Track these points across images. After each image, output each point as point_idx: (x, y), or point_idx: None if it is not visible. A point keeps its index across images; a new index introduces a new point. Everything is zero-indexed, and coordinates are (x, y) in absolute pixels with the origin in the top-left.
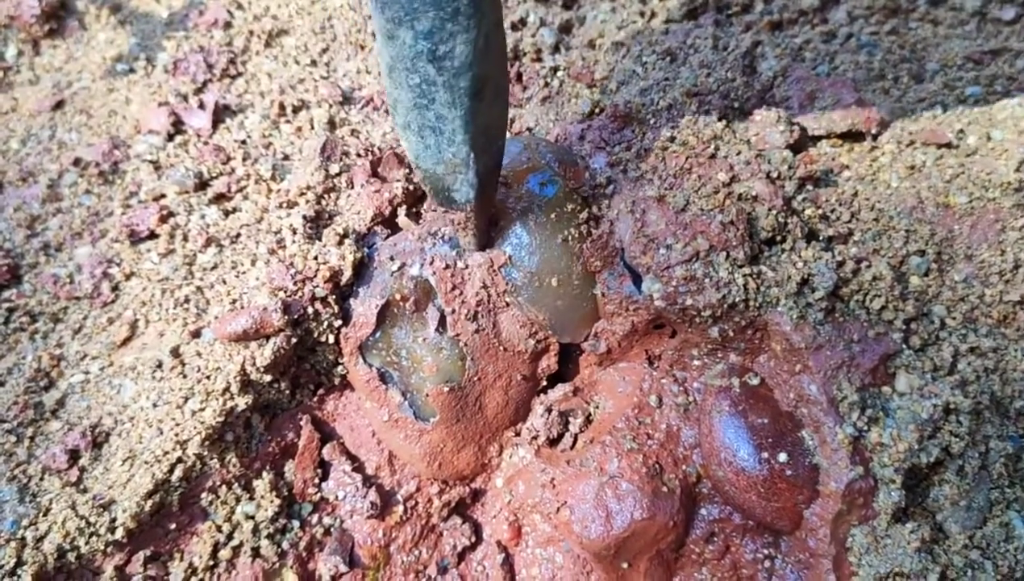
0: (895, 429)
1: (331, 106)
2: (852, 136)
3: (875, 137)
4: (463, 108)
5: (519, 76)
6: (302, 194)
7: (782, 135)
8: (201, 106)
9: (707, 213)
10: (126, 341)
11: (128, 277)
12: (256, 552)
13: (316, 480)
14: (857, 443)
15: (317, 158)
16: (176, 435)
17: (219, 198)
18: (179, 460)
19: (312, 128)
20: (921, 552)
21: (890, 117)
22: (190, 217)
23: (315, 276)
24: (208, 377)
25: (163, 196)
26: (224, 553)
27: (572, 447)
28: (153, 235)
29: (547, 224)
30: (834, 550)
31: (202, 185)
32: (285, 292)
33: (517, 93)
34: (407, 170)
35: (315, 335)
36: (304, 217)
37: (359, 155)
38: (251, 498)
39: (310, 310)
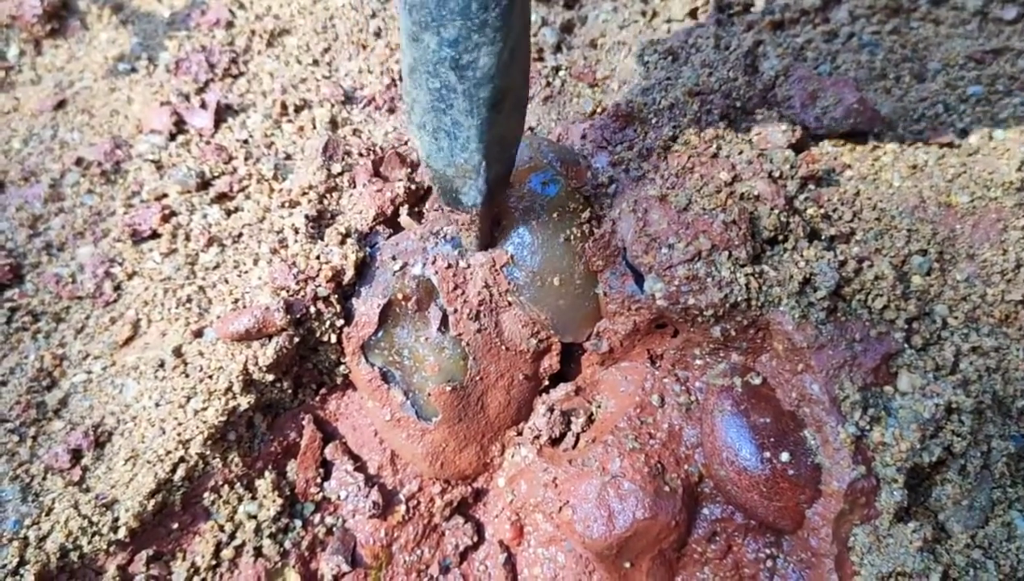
0: (897, 428)
1: (333, 106)
2: (854, 135)
3: (877, 136)
4: (480, 118)
5: None
6: (304, 194)
7: (784, 134)
8: (203, 106)
9: (709, 212)
10: (128, 340)
11: (130, 276)
12: (258, 552)
13: (318, 480)
14: (859, 442)
15: (319, 157)
16: (178, 434)
17: (221, 198)
18: (181, 459)
19: (314, 128)
20: (923, 551)
21: (892, 116)
22: (192, 217)
23: (317, 275)
24: (210, 376)
25: (165, 195)
26: (226, 553)
27: (574, 446)
28: (155, 235)
29: (549, 223)
30: (836, 549)
31: (204, 185)
32: (287, 291)
33: None
34: (409, 170)
35: (317, 335)
36: (306, 216)
37: (361, 154)
38: (253, 498)
39: (312, 309)
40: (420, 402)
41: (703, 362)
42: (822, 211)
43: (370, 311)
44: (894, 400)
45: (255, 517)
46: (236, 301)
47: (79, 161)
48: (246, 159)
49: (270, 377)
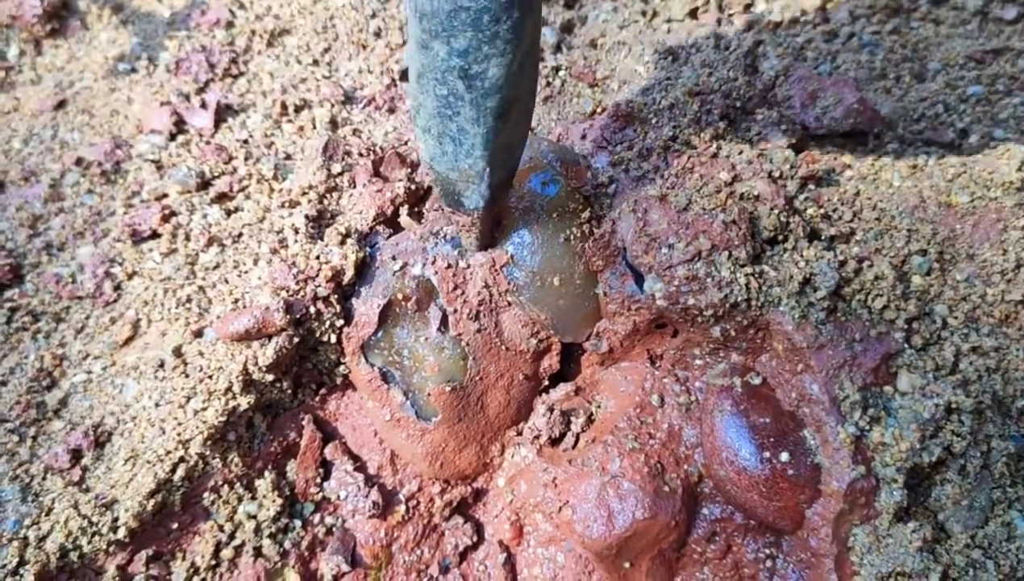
0: (897, 428)
1: (333, 106)
2: (854, 135)
3: (877, 136)
4: (487, 126)
5: None
6: (304, 194)
7: (784, 134)
8: (203, 106)
9: (709, 212)
10: (128, 340)
11: (130, 277)
12: (258, 552)
13: (318, 480)
14: (859, 442)
15: (319, 157)
16: (178, 435)
17: (221, 198)
18: (181, 460)
19: (314, 128)
20: (923, 551)
21: (892, 116)
22: (192, 217)
23: (317, 275)
24: (210, 377)
25: (165, 196)
26: (226, 553)
27: (574, 446)
28: (155, 235)
29: (549, 223)
30: (836, 549)
31: (204, 185)
32: (287, 291)
33: None
34: (409, 170)
35: (317, 335)
36: (306, 217)
37: (361, 154)
38: (253, 498)
39: (312, 310)
40: (420, 402)
41: (703, 362)
42: (822, 211)
43: (370, 311)
44: (894, 400)
45: (255, 517)
46: (236, 301)
47: (79, 161)
48: (246, 159)
49: (270, 377)
